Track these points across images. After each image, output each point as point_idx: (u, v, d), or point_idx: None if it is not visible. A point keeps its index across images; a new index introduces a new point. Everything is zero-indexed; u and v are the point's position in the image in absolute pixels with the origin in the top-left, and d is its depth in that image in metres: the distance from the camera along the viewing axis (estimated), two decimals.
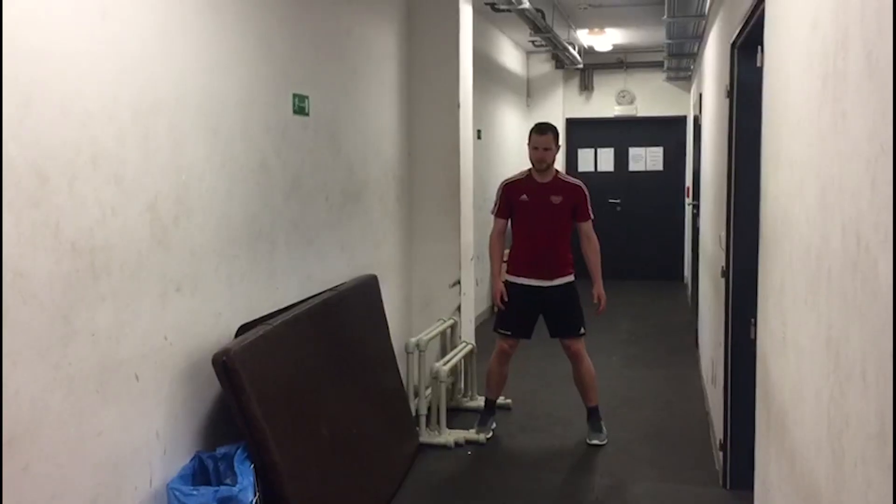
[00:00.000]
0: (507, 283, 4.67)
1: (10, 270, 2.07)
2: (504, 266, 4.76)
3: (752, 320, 2.71)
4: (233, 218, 3.17)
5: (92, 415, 2.40)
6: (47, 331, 2.22)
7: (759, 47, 2.69)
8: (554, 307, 4.58)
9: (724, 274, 3.79)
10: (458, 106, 5.30)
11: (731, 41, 3.67)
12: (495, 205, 4.71)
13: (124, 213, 2.53)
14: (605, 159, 10.73)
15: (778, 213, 2.15)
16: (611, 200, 10.60)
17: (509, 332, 4.66)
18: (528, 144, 4.62)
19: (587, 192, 4.61)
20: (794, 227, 1.86)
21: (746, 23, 3.09)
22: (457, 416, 5.03)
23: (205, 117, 2.96)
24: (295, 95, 3.68)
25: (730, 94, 3.70)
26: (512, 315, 4.65)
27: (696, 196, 7.56)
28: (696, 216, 7.60)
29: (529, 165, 4.66)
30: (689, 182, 9.27)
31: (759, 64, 2.69)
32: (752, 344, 2.70)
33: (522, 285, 4.61)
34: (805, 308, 1.67)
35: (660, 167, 10.61)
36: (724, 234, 3.84)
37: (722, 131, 4.15)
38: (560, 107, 10.58)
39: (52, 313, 2.23)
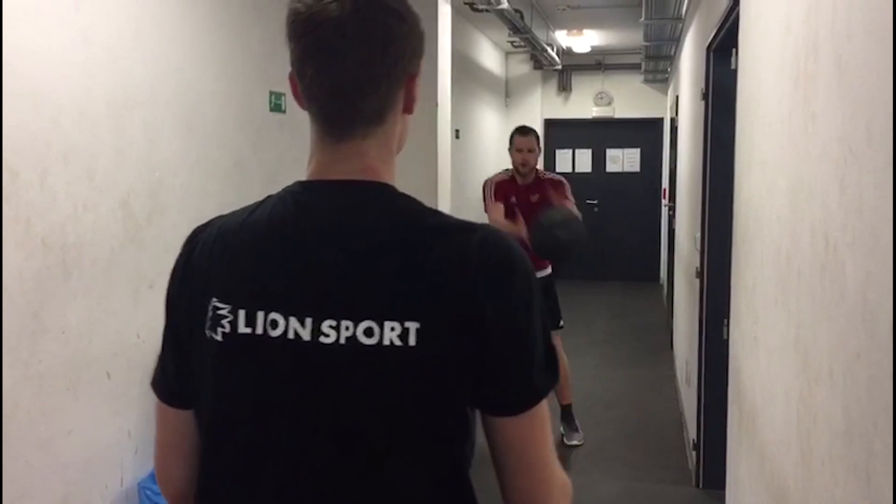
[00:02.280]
0: None
1: None
2: None
3: (725, 320, 2.73)
4: (208, 214, 3.12)
5: (62, 413, 2.37)
6: (17, 328, 2.19)
7: (734, 50, 2.72)
8: None
9: (699, 274, 3.83)
10: (437, 106, 5.30)
11: (707, 44, 3.70)
12: (487, 199, 4.65)
13: (96, 209, 2.50)
14: (583, 160, 10.78)
15: (750, 213, 2.17)
16: (588, 201, 10.63)
17: None
18: (511, 148, 4.61)
19: (566, 182, 4.61)
20: (765, 227, 1.88)
21: (721, 26, 3.11)
22: None
23: (179, 113, 2.94)
24: (272, 93, 3.66)
25: (705, 97, 3.73)
26: None
27: (672, 198, 7.62)
28: (671, 218, 7.66)
29: (509, 166, 4.66)
30: (665, 184, 9.34)
31: (733, 67, 2.72)
32: (725, 344, 2.72)
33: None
34: (775, 308, 1.69)
35: (637, 168, 10.67)
36: (699, 234, 3.88)
37: (697, 133, 4.19)
38: (538, 107, 10.61)
39: (22, 310, 2.20)
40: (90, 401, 2.50)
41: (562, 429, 4.70)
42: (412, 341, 0.93)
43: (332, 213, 1.01)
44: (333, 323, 0.95)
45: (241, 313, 0.99)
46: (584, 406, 5.08)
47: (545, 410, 1.01)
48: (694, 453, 3.93)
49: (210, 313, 1.01)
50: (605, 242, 10.49)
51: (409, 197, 1.03)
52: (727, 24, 2.99)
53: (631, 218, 10.62)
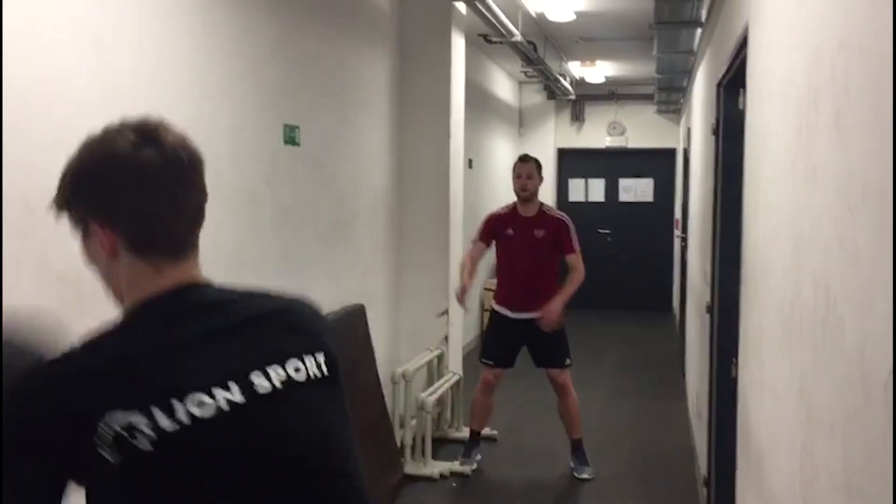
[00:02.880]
0: (492, 312, 4.72)
1: None
2: (492, 293, 4.82)
3: (734, 359, 2.73)
4: (220, 247, 3.18)
5: None
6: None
7: (742, 89, 2.74)
8: (537, 339, 4.59)
9: (709, 309, 3.82)
10: (449, 137, 5.34)
11: (718, 80, 3.73)
12: (478, 232, 4.76)
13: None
14: (596, 189, 10.80)
15: (757, 255, 2.18)
16: (601, 231, 10.65)
17: (492, 362, 4.68)
18: (512, 175, 4.68)
19: (571, 225, 4.63)
20: (770, 271, 1.89)
21: (731, 65, 3.14)
22: (442, 446, 5.02)
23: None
24: (286, 126, 3.71)
25: (716, 132, 3.75)
26: (496, 345, 4.69)
27: (685, 229, 7.61)
28: (684, 248, 7.65)
29: (516, 199, 4.70)
30: (678, 214, 9.34)
31: (741, 106, 2.74)
32: (734, 383, 2.72)
33: (506, 317, 4.64)
34: (780, 353, 1.69)
35: (650, 198, 10.68)
36: (709, 269, 3.88)
37: (708, 168, 4.20)
38: (552, 137, 10.66)
39: None
40: None
41: (571, 462, 4.69)
42: (325, 371, 1.16)
43: (209, 299, 1.15)
44: (259, 372, 1.08)
45: (157, 411, 0.98)
46: (595, 439, 5.05)
47: None
48: (705, 489, 3.90)
49: (118, 434, 0.97)
50: (618, 272, 10.48)
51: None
52: (736, 63, 3.01)
53: (644, 248, 10.61)
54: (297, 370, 1.11)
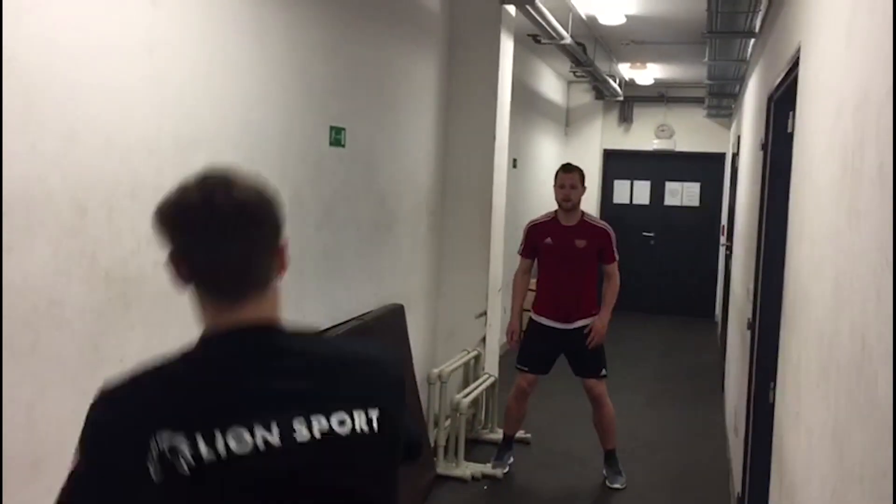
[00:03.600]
0: (530, 321, 4.71)
1: (45, 298, 2.15)
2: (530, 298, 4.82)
3: (772, 384, 2.70)
4: None
5: None
6: (78, 358, 2.29)
7: (791, 113, 2.70)
8: (575, 348, 4.58)
9: (751, 326, 3.77)
10: (494, 138, 5.34)
11: (769, 94, 3.67)
12: (521, 245, 4.76)
13: (158, 244, 2.59)
14: (642, 192, 10.69)
15: (799, 285, 2.15)
16: (645, 234, 10.55)
17: (527, 369, 4.68)
18: (555, 185, 4.64)
19: (612, 235, 4.60)
20: (811, 305, 1.86)
21: (782, 81, 3.09)
22: (475, 447, 5.04)
23: (242, 149, 3.04)
24: (332, 128, 3.75)
25: (764, 147, 3.69)
26: (532, 352, 4.68)
27: (730, 236, 7.51)
28: (728, 257, 7.55)
29: (557, 207, 4.68)
30: (724, 220, 9.20)
31: (789, 130, 2.70)
32: (772, 408, 2.69)
33: (544, 325, 4.63)
34: (817, 392, 1.67)
35: (696, 203, 10.54)
36: (751, 286, 3.83)
37: (755, 182, 4.14)
38: (598, 137, 10.58)
39: (82, 341, 2.31)
40: None
41: (604, 472, 4.67)
42: (376, 427, 1.17)
43: (258, 339, 1.19)
44: (302, 419, 1.11)
45: (199, 438, 1.06)
46: (629, 448, 5.03)
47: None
48: None
49: (165, 454, 1.05)
50: (661, 276, 10.38)
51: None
52: (787, 81, 2.97)
53: (688, 253, 10.48)
54: (341, 423, 1.13)
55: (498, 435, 5.07)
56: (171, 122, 2.62)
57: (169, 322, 2.66)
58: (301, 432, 1.09)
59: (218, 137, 2.88)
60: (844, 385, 1.38)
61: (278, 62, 3.26)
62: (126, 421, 1.11)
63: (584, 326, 4.55)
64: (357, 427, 1.13)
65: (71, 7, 2.17)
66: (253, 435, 1.07)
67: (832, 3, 1.90)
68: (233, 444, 1.05)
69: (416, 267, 5.00)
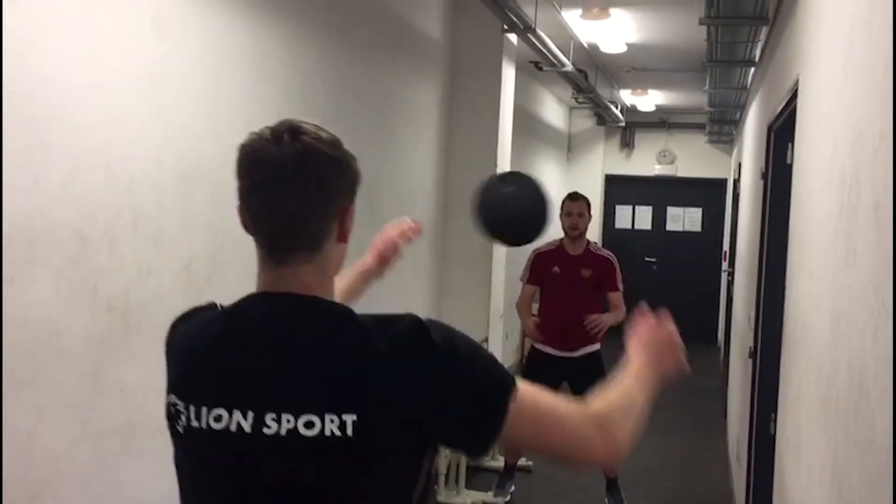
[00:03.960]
0: (533, 349, 4.70)
1: (46, 329, 2.16)
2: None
3: (773, 415, 2.69)
4: None
5: (115, 468, 2.46)
6: (78, 387, 2.29)
7: (790, 144, 2.71)
8: (578, 376, 4.56)
9: (752, 355, 3.77)
10: (496, 165, 5.37)
11: (769, 123, 3.69)
12: (525, 272, 4.75)
13: (160, 273, 2.61)
14: (643, 217, 10.71)
15: (798, 317, 2.15)
16: (647, 259, 10.56)
17: None
18: (561, 213, 4.64)
19: (617, 265, 4.60)
20: (810, 338, 1.86)
21: (782, 111, 3.11)
22: (476, 475, 5.02)
23: None
24: None
25: (764, 177, 3.71)
26: (536, 381, 4.63)
27: (732, 262, 7.51)
28: (730, 283, 7.54)
29: (563, 236, 4.67)
30: (726, 246, 9.21)
31: (788, 161, 2.71)
32: (773, 439, 2.68)
33: (548, 354, 4.62)
34: (816, 426, 1.67)
35: (698, 228, 10.55)
36: (753, 314, 3.83)
37: (756, 211, 4.15)
38: (600, 163, 10.61)
39: (83, 371, 2.31)
40: (142, 456, 2.58)
41: (606, 500, 4.64)
42: (349, 432, 1.07)
43: (271, 319, 1.16)
44: (274, 416, 1.10)
45: (192, 409, 1.15)
46: (632, 475, 5.00)
47: (519, 408, 1.16)
48: None
49: (171, 408, 1.18)
50: (662, 301, 10.29)
51: (340, 304, 1.22)
52: (786, 112, 2.98)
53: (689, 277, 10.47)
54: (308, 425, 1.08)
55: (499, 462, 5.04)
56: (173, 153, 2.63)
57: None
58: (269, 427, 1.09)
59: (220, 168, 2.89)
60: (843, 422, 1.38)
61: (280, 93, 3.29)
62: (167, 359, 1.24)
63: (586, 354, 4.54)
64: (326, 431, 1.07)
65: (75, 42, 2.20)
66: (231, 416, 1.11)
67: (829, 37, 1.92)
68: (212, 421, 1.12)
69: (418, 294, 5.00)
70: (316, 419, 1.08)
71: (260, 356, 1.13)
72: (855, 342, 1.31)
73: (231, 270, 2.99)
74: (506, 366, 5.37)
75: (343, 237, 1.20)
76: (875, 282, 1.17)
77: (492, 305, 5.42)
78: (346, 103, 3.89)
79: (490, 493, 4.66)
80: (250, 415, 1.10)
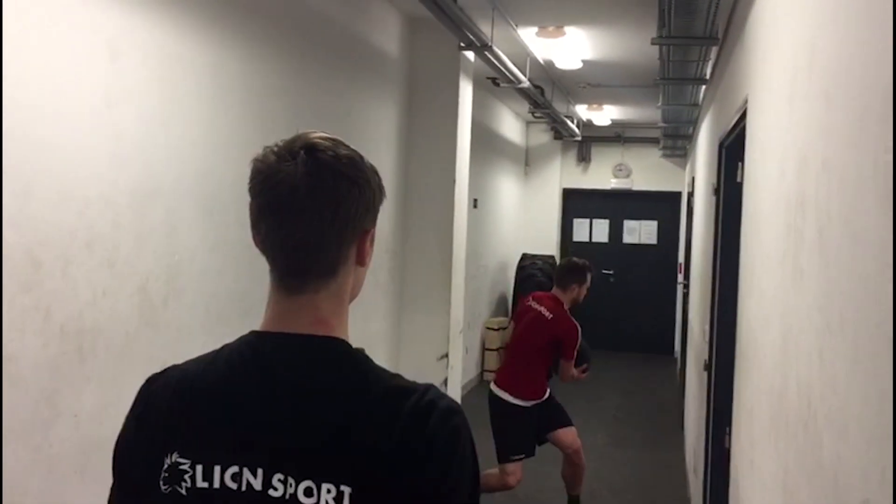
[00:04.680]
0: (517, 407, 4.48)
1: None
2: (509, 391, 4.52)
3: (728, 429, 2.74)
4: (222, 296, 3.22)
5: (71, 495, 2.42)
6: (31, 414, 2.25)
7: (740, 164, 2.78)
8: (545, 410, 4.53)
9: (707, 368, 3.83)
10: (454, 182, 5.40)
11: (720, 140, 3.77)
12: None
13: (115, 295, 2.58)
14: (600, 230, 10.84)
15: (751, 334, 2.20)
16: (604, 271, 10.67)
17: (524, 454, 4.49)
18: (585, 285, 4.54)
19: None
20: (762, 356, 1.91)
21: (732, 130, 3.18)
22: None
23: (201, 198, 3.03)
24: None
25: (716, 192, 3.78)
26: (526, 435, 4.50)
27: (687, 275, 7.63)
28: (686, 295, 7.66)
29: (570, 304, 4.55)
30: (681, 258, 9.36)
31: (738, 179, 2.77)
32: (727, 453, 2.73)
33: (527, 408, 4.50)
34: (768, 443, 1.71)
35: (654, 241, 10.71)
36: (707, 328, 3.89)
37: (709, 226, 4.24)
38: (557, 177, 10.72)
39: (36, 396, 2.27)
40: (97, 483, 2.52)
41: None
42: None
43: (284, 369, 1.07)
44: (282, 477, 1.02)
45: (199, 468, 1.04)
46: (591, 489, 5.04)
47: None
48: None
49: (168, 469, 1.06)
50: (620, 313, 10.49)
51: (360, 355, 1.09)
52: (736, 130, 3.05)
53: (646, 290, 10.62)
54: (307, 492, 1.01)
55: None
56: (127, 174, 2.61)
57: (125, 375, 2.62)
58: (277, 488, 1.02)
59: (176, 188, 2.87)
60: (793, 440, 1.42)
61: (236, 111, 3.28)
62: (146, 430, 1.11)
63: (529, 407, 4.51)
64: (322, 501, 1.00)
65: (28, 63, 2.17)
66: (242, 474, 1.03)
67: (777, 61, 1.97)
68: (228, 481, 1.03)
69: (377, 310, 5.00)
70: (314, 487, 1.01)
71: (270, 409, 1.05)
72: (803, 363, 1.35)
73: (188, 292, 2.97)
74: (465, 381, 5.36)
75: (362, 261, 1.11)
76: (820, 304, 1.21)
77: (452, 321, 5.43)
78: (304, 122, 3.89)
79: None
80: (259, 472, 1.02)
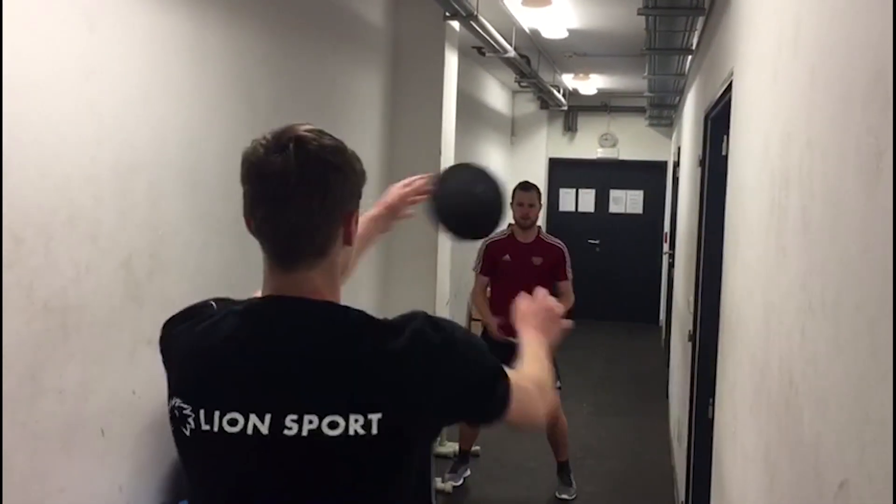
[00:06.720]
0: (485, 336, 4.72)
1: None
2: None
3: (711, 399, 2.77)
4: (208, 270, 3.20)
5: (56, 471, 2.42)
6: (15, 391, 2.24)
7: (726, 137, 2.77)
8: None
9: (692, 339, 3.86)
10: (440, 152, 5.37)
11: (705, 112, 3.76)
12: (477, 263, 4.77)
13: (98, 271, 2.56)
14: (587, 200, 10.85)
15: (734, 306, 2.21)
16: (590, 241, 10.70)
17: None
18: (512, 202, 4.65)
19: (567, 254, 4.65)
20: (745, 330, 1.92)
21: (717, 102, 3.17)
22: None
23: (184, 172, 3.00)
24: None
25: (702, 164, 3.78)
26: None
27: (672, 245, 7.66)
28: (671, 265, 7.69)
29: (513, 224, 4.70)
30: (667, 227, 9.39)
31: (724, 153, 2.77)
32: (711, 423, 2.76)
33: (500, 343, 4.63)
34: (750, 416, 1.73)
35: (639, 210, 10.73)
36: (692, 299, 3.92)
37: (694, 196, 4.24)
38: (544, 146, 10.69)
39: (20, 373, 2.26)
40: (83, 458, 2.54)
41: (558, 481, 4.73)
42: (374, 430, 1.11)
43: (290, 321, 1.18)
44: (295, 417, 1.11)
45: (202, 413, 1.15)
46: (577, 457, 5.10)
47: (516, 392, 1.25)
48: None
49: (175, 412, 1.18)
50: (606, 283, 10.53)
51: (352, 308, 1.22)
52: (722, 102, 3.05)
53: (632, 259, 10.66)
54: (332, 425, 1.10)
55: (448, 448, 5.08)
56: (108, 148, 2.57)
57: (110, 351, 2.62)
58: (291, 427, 1.11)
59: (158, 162, 2.84)
60: (774, 414, 1.43)
61: (220, 82, 3.23)
62: (165, 361, 1.25)
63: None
64: (351, 430, 1.10)
65: (2, 36, 2.12)
66: (247, 419, 1.12)
67: (762, 35, 1.96)
68: (226, 425, 1.12)
69: (363, 283, 4.99)
70: (340, 419, 1.10)
71: (278, 359, 1.14)
72: (784, 339, 1.36)
73: (172, 267, 2.95)
74: None
75: (349, 240, 1.23)
76: (802, 282, 1.21)
77: (438, 293, 5.44)
78: (287, 93, 3.85)
79: (439, 479, 4.70)
80: (268, 417, 1.11)
